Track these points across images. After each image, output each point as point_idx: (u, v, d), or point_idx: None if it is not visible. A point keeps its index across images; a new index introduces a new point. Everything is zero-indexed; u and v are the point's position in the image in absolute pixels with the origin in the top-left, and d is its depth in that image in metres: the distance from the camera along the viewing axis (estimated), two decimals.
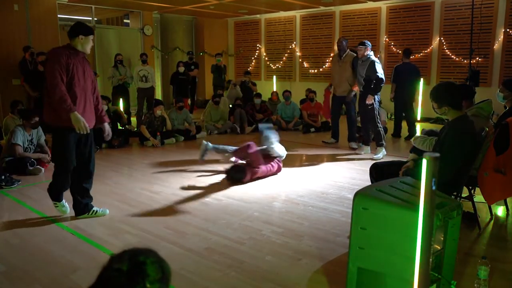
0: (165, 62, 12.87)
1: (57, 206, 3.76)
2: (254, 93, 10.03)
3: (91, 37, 3.53)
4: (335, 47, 11.29)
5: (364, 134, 6.54)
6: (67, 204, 3.79)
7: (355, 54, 6.62)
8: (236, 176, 4.89)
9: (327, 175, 5.27)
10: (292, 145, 7.27)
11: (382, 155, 6.14)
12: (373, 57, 6.08)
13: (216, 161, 6.02)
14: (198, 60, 13.64)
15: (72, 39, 3.48)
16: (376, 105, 6.10)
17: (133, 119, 9.85)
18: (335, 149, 6.86)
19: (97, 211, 3.81)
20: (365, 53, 6.06)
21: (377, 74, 5.95)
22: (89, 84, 3.57)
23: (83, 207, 3.74)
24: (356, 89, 6.67)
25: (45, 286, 2.64)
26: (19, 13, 9.15)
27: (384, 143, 6.26)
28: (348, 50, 6.81)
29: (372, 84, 6.01)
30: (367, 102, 6.02)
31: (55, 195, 3.73)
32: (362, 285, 2.30)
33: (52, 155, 3.68)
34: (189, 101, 10.43)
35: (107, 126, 3.83)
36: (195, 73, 10.62)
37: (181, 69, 9.94)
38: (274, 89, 11.32)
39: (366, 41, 6.18)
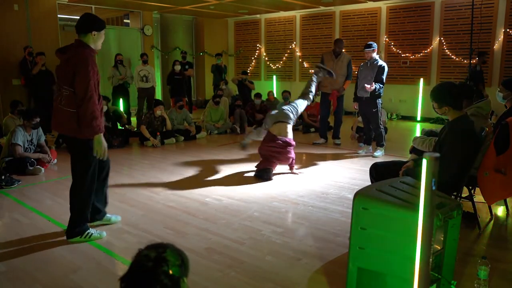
0: (165, 62, 12.87)
1: (93, 234, 3.31)
2: (253, 91, 10.03)
3: (103, 31, 3.18)
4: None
5: (366, 134, 6.59)
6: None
7: (350, 57, 7.00)
8: (264, 177, 5.04)
9: (327, 175, 5.27)
10: None
11: (381, 154, 6.24)
12: (381, 61, 6.15)
13: (216, 161, 6.03)
14: (198, 60, 13.68)
15: (83, 35, 3.10)
16: (379, 108, 6.23)
17: (133, 119, 9.86)
18: (335, 149, 6.86)
19: (110, 217, 3.67)
20: (373, 55, 6.09)
21: (383, 79, 6.10)
22: None
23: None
24: (346, 87, 6.95)
25: (46, 287, 2.64)
26: (19, 13, 9.16)
27: (384, 144, 6.33)
28: (344, 51, 7.02)
29: (376, 88, 6.08)
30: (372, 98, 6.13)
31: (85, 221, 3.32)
32: (362, 285, 2.30)
33: (75, 172, 3.23)
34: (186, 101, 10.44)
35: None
36: (190, 72, 10.63)
37: (177, 67, 9.92)
38: (274, 89, 11.33)
39: (373, 43, 6.18)
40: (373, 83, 6.01)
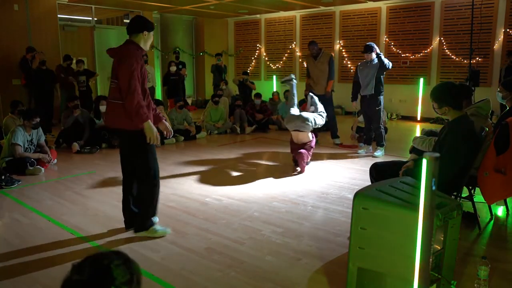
0: (165, 62, 12.86)
1: (158, 231, 3.34)
2: (254, 91, 10.04)
3: (153, 32, 3.31)
4: (335, 47, 11.35)
5: (366, 134, 6.60)
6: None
7: (331, 54, 7.11)
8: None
9: (327, 175, 5.27)
10: None
11: (381, 154, 6.25)
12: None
13: (216, 161, 6.03)
14: (198, 60, 13.68)
15: (134, 35, 3.22)
16: (381, 107, 6.25)
17: None
18: (335, 149, 6.87)
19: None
20: (372, 56, 6.10)
21: (386, 63, 6.12)
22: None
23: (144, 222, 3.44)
24: (329, 89, 6.99)
25: (46, 287, 2.64)
26: (19, 13, 9.16)
27: (385, 144, 6.34)
28: (323, 50, 7.09)
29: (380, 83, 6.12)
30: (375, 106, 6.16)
31: (152, 215, 3.37)
32: (362, 285, 2.30)
33: (138, 166, 3.28)
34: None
35: (166, 123, 3.58)
36: (183, 72, 10.65)
37: (173, 68, 9.94)
38: (274, 89, 11.33)
39: (372, 44, 6.14)
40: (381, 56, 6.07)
